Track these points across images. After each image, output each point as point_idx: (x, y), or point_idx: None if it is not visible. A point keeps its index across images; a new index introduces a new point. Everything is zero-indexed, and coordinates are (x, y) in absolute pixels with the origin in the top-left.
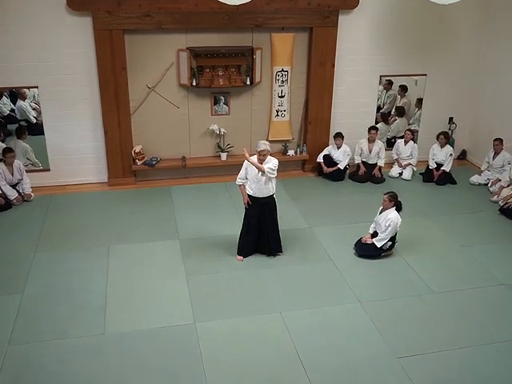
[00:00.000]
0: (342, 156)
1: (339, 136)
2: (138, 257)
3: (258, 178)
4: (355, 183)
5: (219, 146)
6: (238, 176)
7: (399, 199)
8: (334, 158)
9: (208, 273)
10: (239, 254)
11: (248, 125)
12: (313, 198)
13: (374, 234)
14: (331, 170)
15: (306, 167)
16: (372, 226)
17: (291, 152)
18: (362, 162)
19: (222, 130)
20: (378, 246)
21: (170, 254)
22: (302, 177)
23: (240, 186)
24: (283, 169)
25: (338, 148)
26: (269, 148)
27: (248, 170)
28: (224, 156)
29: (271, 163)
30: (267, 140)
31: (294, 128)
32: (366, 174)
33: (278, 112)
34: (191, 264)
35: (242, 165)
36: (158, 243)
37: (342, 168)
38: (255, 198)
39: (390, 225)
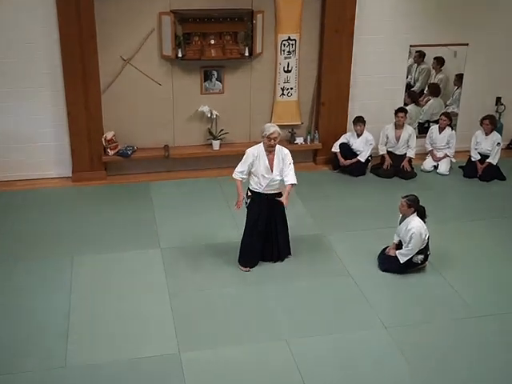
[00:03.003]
0: (362, 145)
1: (360, 121)
2: (109, 270)
3: (269, 173)
4: (379, 179)
5: (211, 133)
6: (238, 169)
7: (421, 204)
8: (353, 147)
9: (196, 290)
10: (245, 264)
11: (246, 106)
12: (327, 198)
13: (400, 245)
14: (350, 162)
15: (319, 159)
16: (396, 235)
17: (300, 140)
18: (388, 152)
19: (215, 112)
20: (402, 261)
21: (150, 267)
22: (314, 171)
23: (238, 181)
24: None
25: (359, 135)
26: (280, 131)
27: (255, 163)
28: (216, 145)
29: (288, 158)
30: None
31: (303, 110)
32: (392, 168)
33: (283, 90)
34: (176, 279)
35: (238, 155)
36: (135, 253)
37: (363, 160)
38: (264, 194)
39: (412, 237)
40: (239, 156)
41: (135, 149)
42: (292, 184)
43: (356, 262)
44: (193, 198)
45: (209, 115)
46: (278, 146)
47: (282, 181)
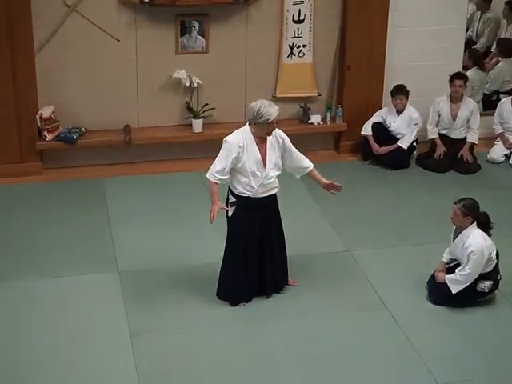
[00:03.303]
0: (404, 126)
1: (401, 92)
2: (45, 301)
3: (261, 169)
4: (428, 173)
5: (190, 109)
6: (216, 168)
7: (483, 210)
8: (391, 129)
9: (168, 332)
10: (234, 301)
11: (240, 71)
12: (354, 200)
13: (454, 266)
14: (387, 150)
15: (343, 146)
16: (446, 251)
17: (316, 119)
18: (441, 135)
19: (195, 79)
20: (454, 290)
21: (103, 298)
22: (336, 162)
23: (215, 184)
24: (302, 148)
25: (399, 112)
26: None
27: (242, 157)
28: (198, 125)
29: (288, 141)
30: (274, 97)
31: (320, 77)
32: (446, 158)
33: (292, 49)
34: (140, 316)
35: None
36: (82, 278)
37: (406, 147)
38: (256, 199)
39: (470, 257)
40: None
41: (83, 131)
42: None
43: (395, 291)
44: (164, 201)
45: (187, 84)
46: None
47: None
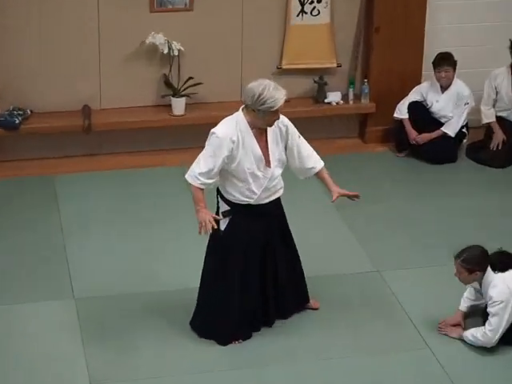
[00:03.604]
0: (451, 107)
1: (446, 61)
2: None
3: (263, 168)
4: (482, 168)
5: (168, 84)
6: (200, 169)
7: (490, 252)
8: (433, 110)
9: (138, 379)
10: (229, 339)
11: (235, 34)
12: (384, 205)
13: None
14: (427, 137)
15: (370, 132)
16: (466, 295)
17: (335, 97)
18: (499, 119)
19: (176, 45)
20: (473, 341)
21: (54, 334)
22: (360, 154)
23: (199, 190)
24: (316, 136)
25: (444, 89)
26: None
27: (236, 155)
28: (179, 106)
29: (294, 129)
30: (279, 69)
31: (340, 42)
32: (506, 148)
33: (303, 4)
34: (102, 358)
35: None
36: (27, 307)
37: (453, 134)
38: (257, 207)
39: (495, 311)
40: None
41: (28, 114)
42: (324, 166)
43: (437, 323)
44: (133, 206)
45: (165, 51)
46: None
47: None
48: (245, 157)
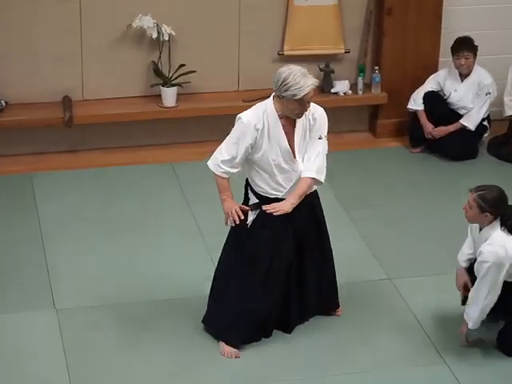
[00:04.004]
0: (471, 97)
1: (466, 46)
2: None
3: (290, 161)
4: (505, 166)
5: (158, 72)
6: (223, 156)
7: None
8: (451, 101)
9: None
10: (230, 342)
11: (232, 16)
12: (397, 206)
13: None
14: (445, 131)
15: (382, 125)
16: (464, 250)
17: (343, 86)
18: None
19: (167, 29)
20: (470, 325)
21: (34, 348)
22: (371, 149)
23: (223, 179)
24: None
25: (464, 77)
26: (315, 80)
27: (261, 145)
28: (170, 96)
29: (320, 124)
30: (281, 54)
31: (348, 25)
32: None
33: None
34: (85, 370)
35: (217, 123)
36: (2, 319)
37: (473, 128)
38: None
39: (486, 272)
40: (218, 124)
41: (3, 105)
42: (312, 179)
43: (454, 337)
44: (120, 206)
45: (154, 36)
46: (313, 104)
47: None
48: (270, 147)
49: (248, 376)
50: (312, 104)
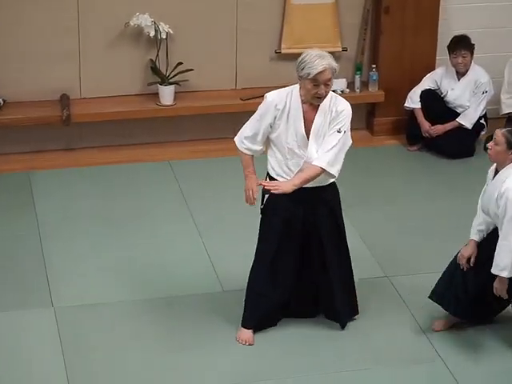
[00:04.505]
0: (468, 95)
1: (463, 45)
2: None
3: (304, 147)
4: None
5: (156, 70)
6: (246, 132)
7: None
8: (448, 99)
9: None
10: (247, 322)
11: (229, 14)
12: (393, 205)
13: (486, 248)
14: (442, 129)
15: (379, 123)
16: (475, 224)
17: (340, 85)
18: None
19: (164, 27)
20: (506, 274)
21: (32, 346)
22: (368, 148)
23: (245, 155)
24: None
25: (461, 75)
26: (336, 66)
27: (279, 125)
28: (168, 95)
29: (341, 119)
30: (278, 53)
31: (345, 23)
32: None
33: None
34: (84, 369)
35: (215, 120)
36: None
37: (470, 126)
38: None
39: (507, 205)
40: (216, 122)
41: (1, 103)
42: (321, 169)
43: (453, 334)
44: (117, 205)
45: (152, 34)
46: (331, 93)
47: None
48: (286, 129)
49: (246, 372)
50: (339, 97)
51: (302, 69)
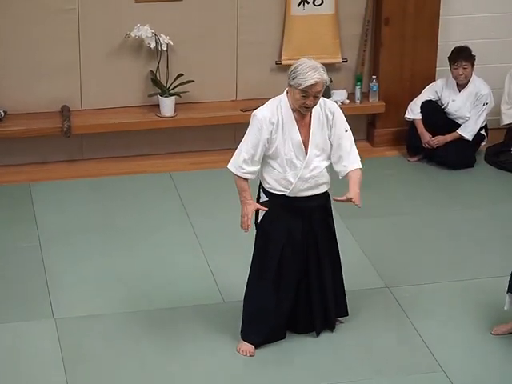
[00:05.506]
0: (468, 107)
1: (464, 56)
2: None
3: (301, 156)
4: (503, 175)
5: (156, 81)
6: (242, 156)
7: None
8: (449, 111)
9: None
10: (249, 336)
11: (230, 26)
12: (395, 216)
13: None
14: (442, 140)
15: (379, 134)
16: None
17: (340, 96)
18: None
19: (165, 39)
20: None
21: (32, 358)
22: (368, 159)
23: (242, 180)
24: None
25: (461, 87)
26: (327, 78)
27: (275, 140)
28: (168, 106)
29: (340, 120)
30: (278, 64)
31: (346, 35)
32: None
33: None
34: (85, 382)
35: (215, 132)
36: (1, 329)
37: (470, 137)
38: (295, 200)
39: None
40: (216, 133)
41: (1, 115)
42: (360, 168)
43: (452, 344)
44: (118, 217)
45: (152, 46)
46: (325, 100)
47: (328, 168)
48: (283, 141)
49: (246, 382)
50: (325, 99)
51: (294, 78)
